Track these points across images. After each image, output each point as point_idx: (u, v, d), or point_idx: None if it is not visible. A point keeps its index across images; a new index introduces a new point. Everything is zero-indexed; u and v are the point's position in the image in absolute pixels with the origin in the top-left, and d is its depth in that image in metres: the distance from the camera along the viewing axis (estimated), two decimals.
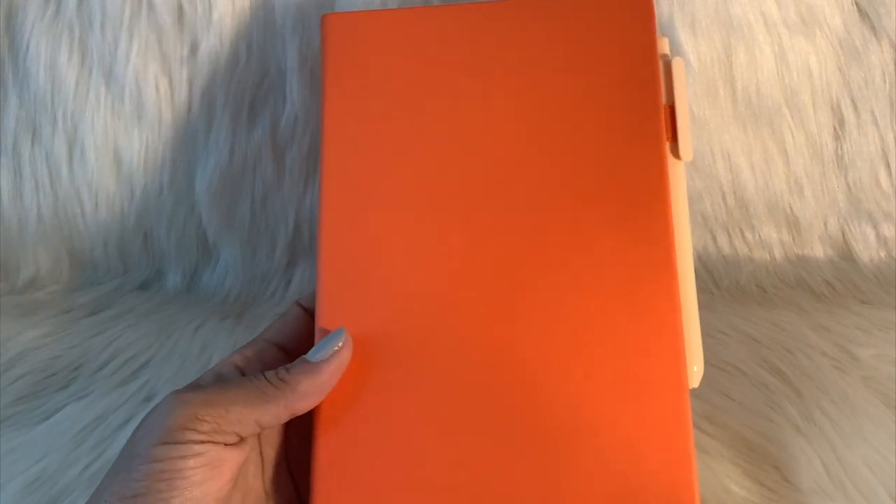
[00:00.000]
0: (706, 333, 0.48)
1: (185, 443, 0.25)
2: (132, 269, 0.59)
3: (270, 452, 0.30)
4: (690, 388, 0.30)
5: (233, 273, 0.57)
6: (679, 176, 0.33)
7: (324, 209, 0.32)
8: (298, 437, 0.30)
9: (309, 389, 0.28)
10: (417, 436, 0.29)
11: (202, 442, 0.25)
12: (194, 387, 0.28)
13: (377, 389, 0.30)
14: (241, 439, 0.27)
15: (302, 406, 0.28)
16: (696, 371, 0.31)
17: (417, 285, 0.31)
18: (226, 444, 0.26)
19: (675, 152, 0.32)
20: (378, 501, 0.29)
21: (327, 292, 0.31)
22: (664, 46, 0.34)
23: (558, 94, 0.32)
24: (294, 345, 0.31)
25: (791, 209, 0.57)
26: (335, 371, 0.29)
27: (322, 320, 0.31)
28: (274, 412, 0.27)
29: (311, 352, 0.29)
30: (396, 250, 0.31)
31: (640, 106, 0.32)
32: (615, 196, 0.31)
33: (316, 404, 0.29)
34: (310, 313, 0.32)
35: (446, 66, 0.33)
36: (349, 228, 0.32)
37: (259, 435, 0.29)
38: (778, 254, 0.57)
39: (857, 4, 0.55)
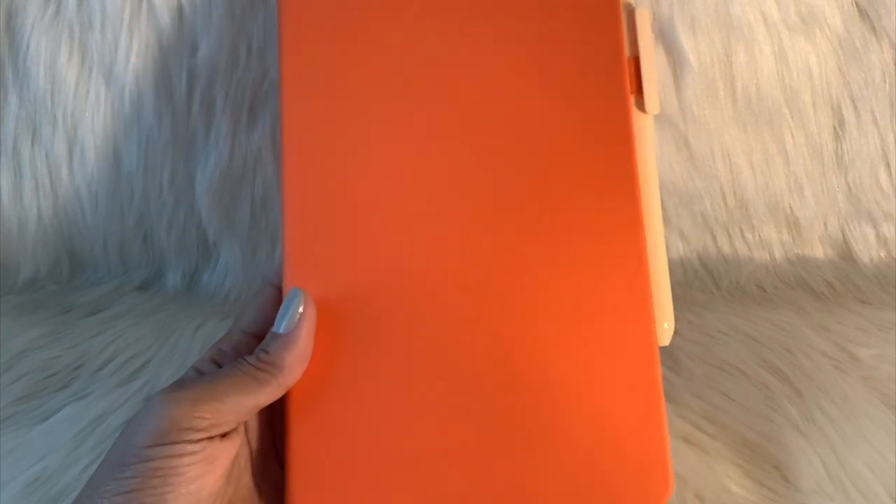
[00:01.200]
0: (706, 333, 0.49)
1: (181, 442, 0.25)
2: (132, 269, 0.59)
3: (257, 444, 0.30)
4: (661, 345, 0.30)
5: (233, 273, 0.57)
6: (646, 130, 0.32)
7: (286, 175, 0.31)
8: (283, 426, 0.30)
9: (293, 361, 0.28)
10: (390, 412, 0.29)
11: (198, 440, 0.25)
12: (182, 384, 0.27)
13: (348, 368, 0.29)
14: (235, 429, 0.27)
15: (292, 379, 0.28)
16: (666, 328, 0.31)
17: (385, 255, 0.30)
18: (221, 437, 0.26)
19: (641, 106, 0.32)
20: (354, 483, 0.29)
21: (293, 267, 0.30)
22: None
23: (515, 47, 0.32)
24: None
25: (791, 209, 0.57)
26: (308, 334, 0.29)
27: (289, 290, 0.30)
28: (269, 392, 0.27)
29: (276, 323, 0.29)
30: (365, 219, 0.31)
31: (602, 58, 0.31)
32: (578, 152, 0.31)
33: (303, 372, 0.29)
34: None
35: (404, 21, 0.32)
36: (315, 198, 0.31)
37: (246, 427, 0.29)
38: (778, 254, 0.57)
39: (857, 4, 0.55)
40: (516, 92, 0.31)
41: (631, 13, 0.32)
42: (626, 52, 0.32)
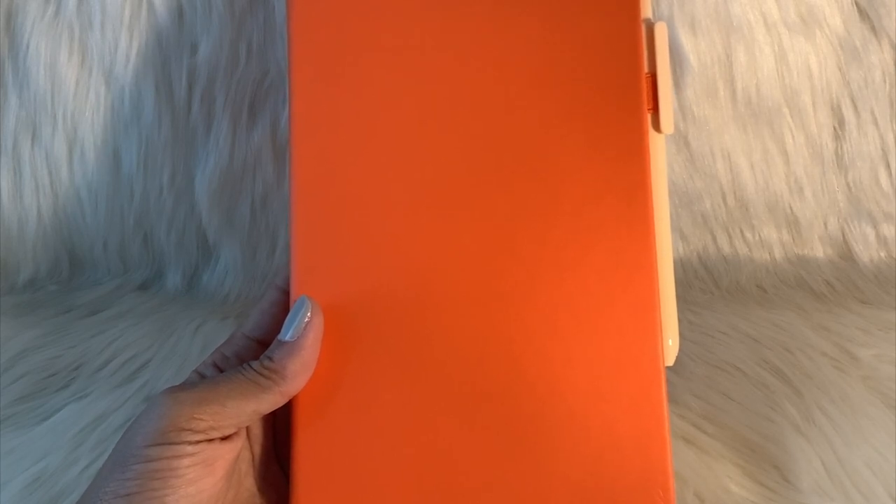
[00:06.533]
0: (706, 333, 0.49)
1: (179, 443, 0.25)
2: (132, 269, 0.59)
3: (259, 449, 0.30)
4: (667, 364, 0.30)
5: (233, 273, 0.57)
6: (659, 149, 0.31)
7: (295, 180, 0.31)
8: (286, 432, 0.30)
9: (297, 369, 0.28)
10: (396, 419, 0.29)
11: (197, 442, 0.25)
12: (184, 386, 0.27)
13: (355, 375, 0.29)
14: (236, 432, 0.27)
15: (295, 387, 0.28)
16: (671, 345, 0.30)
17: (395, 262, 0.30)
18: (221, 439, 0.26)
19: (656, 125, 0.31)
20: (359, 491, 0.29)
21: (301, 274, 0.30)
22: (647, 9, 0.32)
23: (533, 55, 0.31)
24: (274, 337, 0.30)
25: (791, 209, 0.57)
26: (314, 343, 0.29)
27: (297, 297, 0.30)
28: (270, 400, 0.27)
29: (282, 331, 0.29)
30: (374, 225, 0.30)
31: (621, 73, 0.31)
32: (592, 168, 0.30)
33: (307, 381, 0.29)
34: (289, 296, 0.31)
35: (421, 29, 0.32)
36: (324, 204, 0.31)
37: (248, 432, 0.29)
38: (778, 254, 0.57)
39: (857, 4, 0.55)
40: (531, 102, 0.31)
41: (650, 27, 0.31)
42: (645, 67, 0.31)
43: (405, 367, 0.30)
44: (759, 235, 0.58)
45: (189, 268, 0.58)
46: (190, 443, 0.25)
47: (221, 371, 0.29)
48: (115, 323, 0.52)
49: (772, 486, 0.36)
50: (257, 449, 0.30)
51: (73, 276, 0.59)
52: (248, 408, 0.27)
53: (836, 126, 0.56)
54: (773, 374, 0.44)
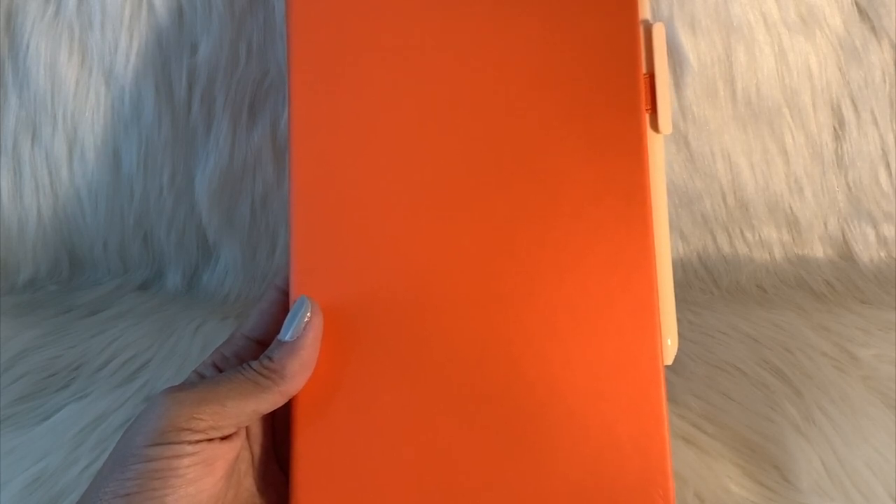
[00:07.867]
0: (706, 333, 0.49)
1: (179, 443, 0.25)
2: (132, 269, 0.59)
3: (259, 449, 0.30)
4: (666, 364, 0.30)
5: (233, 273, 0.57)
6: (657, 150, 0.31)
7: (294, 180, 0.31)
8: (285, 432, 0.30)
9: (297, 369, 0.28)
10: (396, 419, 0.29)
11: (197, 441, 0.25)
12: (184, 386, 0.27)
13: (354, 375, 0.29)
14: (236, 432, 0.27)
15: (294, 387, 0.28)
16: (669, 345, 0.31)
17: (394, 263, 0.30)
18: (221, 439, 0.26)
19: (655, 125, 0.31)
20: (359, 491, 0.29)
21: (300, 274, 0.30)
22: (645, 10, 0.32)
23: (532, 56, 0.31)
24: (273, 337, 0.31)
25: (791, 209, 0.57)
26: (313, 342, 0.29)
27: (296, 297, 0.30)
28: (270, 399, 0.27)
29: (282, 331, 0.29)
30: (373, 225, 0.30)
31: (619, 74, 0.31)
32: (591, 169, 0.30)
33: (306, 381, 0.29)
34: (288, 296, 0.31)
35: (420, 29, 0.32)
36: (323, 204, 0.31)
37: (248, 432, 0.29)
38: (778, 254, 0.57)
39: (857, 4, 0.55)
40: (530, 102, 0.31)
41: (648, 28, 0.32)
42: (643, 68, 0.31)
43: (405, 367, 0.30)
44: (759, 235, 0.58)
45: (189, 268, 0.58)
46: (190, 442, 0.25)
47: (221, 371, 0.29)
48: (115, 323, 0.52)
49: (772, 486, 0.36)
50: (257, 449, 0.30)
51: (73, 276, 0.59)
52: (247, 407, 0.27)
53: (836, 126, 0.56)
54: (773, 374, 0.44)
